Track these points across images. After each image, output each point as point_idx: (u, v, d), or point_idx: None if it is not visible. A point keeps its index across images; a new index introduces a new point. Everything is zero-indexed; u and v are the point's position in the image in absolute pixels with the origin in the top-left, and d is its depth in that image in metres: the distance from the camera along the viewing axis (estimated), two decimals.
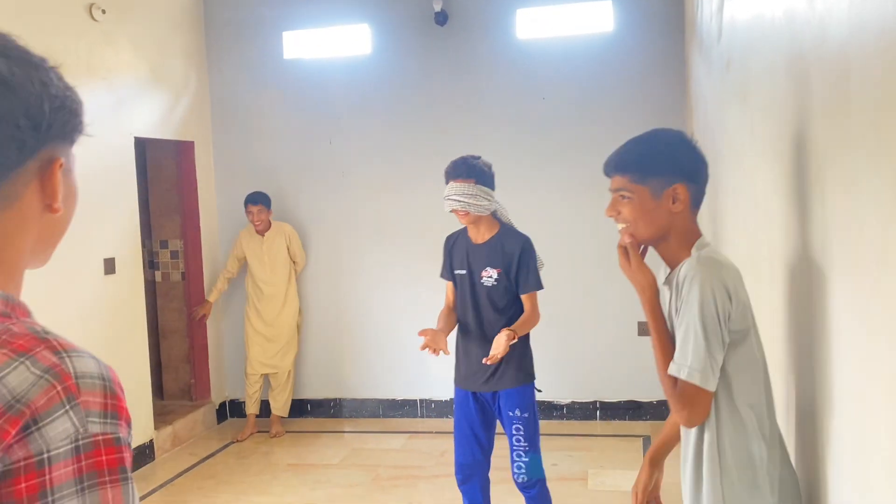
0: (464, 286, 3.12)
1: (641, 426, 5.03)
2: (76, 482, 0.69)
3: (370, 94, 5.41)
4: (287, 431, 5.28)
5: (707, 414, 1.58)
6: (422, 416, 5.46)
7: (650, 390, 5.10)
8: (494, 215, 3.11)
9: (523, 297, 3.07)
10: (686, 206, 1.64)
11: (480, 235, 3.10)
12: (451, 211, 3.04)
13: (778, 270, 1.87)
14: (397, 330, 5.43)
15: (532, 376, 3.15)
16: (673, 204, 1.63)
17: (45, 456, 0.68)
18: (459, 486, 3.24)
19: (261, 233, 5.20)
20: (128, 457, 0.73)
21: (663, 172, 1.64)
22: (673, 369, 1.58)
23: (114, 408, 0.73)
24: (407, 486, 4.31)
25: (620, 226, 1.69)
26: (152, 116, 4.99)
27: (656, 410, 5.12)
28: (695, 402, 1.56)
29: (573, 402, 5.24)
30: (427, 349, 3.03)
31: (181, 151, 5.40)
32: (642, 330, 5.14)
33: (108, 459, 0.71)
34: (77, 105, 0.84)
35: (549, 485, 3.21)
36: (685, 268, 1.60)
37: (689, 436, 1.65)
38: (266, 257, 5.20)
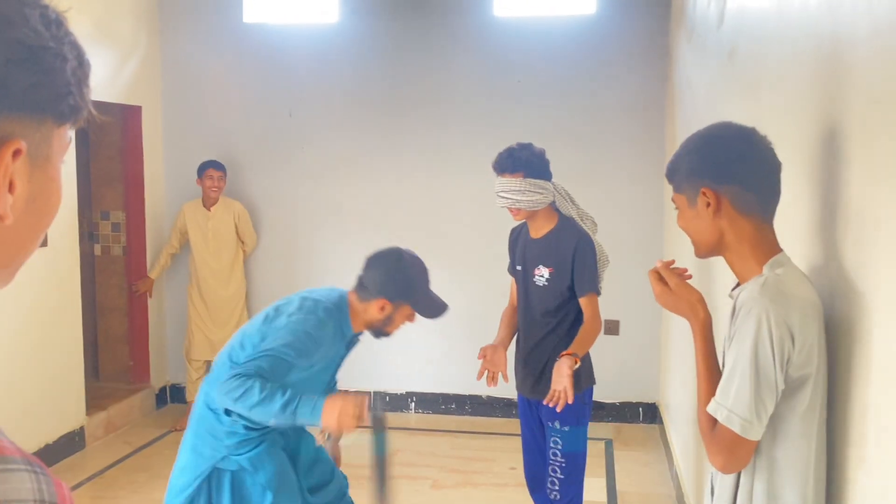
0: (520, 284, 2.88)
1: (604, 428, 4.85)
2: None
3: (335, 66, 5.07)
4: None
5: (746, 463, 1.38)
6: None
7: (614, 391, 4.91)
8: (553, 206, 2.81)
9: (581, 301, 2.77)
10: (730, 212, 1.41)
11: (537, 230, 2.83)
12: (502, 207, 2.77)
13: None
14: None
15: (580, 384, 2.80)
16: (709, 209, 1.41)
17: None
18: (531, 494, 3.04)
19: (208, 206, 4.84)
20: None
21: (689, 175, 1.45)
22: (712, 407, 1.39)
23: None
24: (357, 486, 4.05)
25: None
26: (95, 77, 4.57)
27: (618, 412, 4.95)
28: (733, 449, 1.36)
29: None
30: (486, 375, 2.73)
31: (127, 116, 5.01)
32: (609, 328, 4.95)
33: None
34: (59, 62, 0.58)
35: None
36: (747, 290, 1.39)
37: (726, 479, 1.46)
38: (210, 234, 4.84)
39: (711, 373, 1.43)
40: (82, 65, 0.61)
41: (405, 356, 5.10)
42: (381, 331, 2.44)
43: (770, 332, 1.31)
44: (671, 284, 1.49)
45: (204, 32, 5.18)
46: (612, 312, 4.93)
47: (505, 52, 4.89)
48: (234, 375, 2.10)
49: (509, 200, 2.70)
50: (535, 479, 2.98)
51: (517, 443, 3.18)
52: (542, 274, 2.79)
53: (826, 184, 1.50)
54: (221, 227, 4.85)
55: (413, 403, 5.18)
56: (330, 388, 2.54)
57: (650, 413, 4.92)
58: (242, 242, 5.00)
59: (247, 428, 2.31)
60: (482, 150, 4.37)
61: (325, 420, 2.08)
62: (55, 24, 0.58)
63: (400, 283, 2.35)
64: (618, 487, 3.99)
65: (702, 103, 3.23)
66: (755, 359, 1.31)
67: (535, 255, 2.81)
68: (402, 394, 5.19)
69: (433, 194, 5.04)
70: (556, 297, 2.77)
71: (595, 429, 4.85)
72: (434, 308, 2.40)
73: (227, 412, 2.29)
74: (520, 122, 4.84)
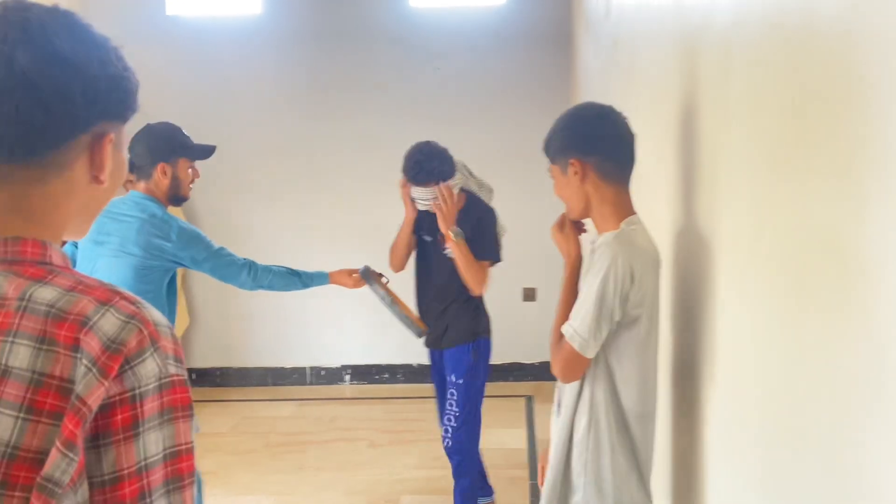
0: (427, 253, 3.17)
1: (524, 387, 5.27)
2: (159, 416, 0.80)
3: (259, 56, 5.28)
4: None
5: (579, 377, 1.68)
6: (311, 384, 5.47)
7: (532, 353, 5.33)
8: (463, 190, 3.12)
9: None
10: (594, 179, 1.69)
11: None
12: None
13: (664, 244, 2.01)
14: (285, 297, 5.38)
15: (473, 334, 3.13)
16: (577, 177, 1.69)
17: (137, 392, 0.79)
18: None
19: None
20: (190, 396, 0.84)
21: (561, 149, 1.72)
22: (564, 327, 1.67)
23: (179, 353, 0.85)
24: (298, 451, 4.34)
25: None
26: None
27: (538, 371, 5.37)
28: (571, 363, 1.66)
29: None
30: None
31: None
32: (527, 296, 5.35)
33: (181, 397, 0.83)
34: (132, 85, 0.90)
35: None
36: (603, 238, 1.68)
37: (564, 388, 1.77)
38: None
39: (569, 300, 1.72)
40: (137, 83, 0.92)
41: (338, 331, 5.39)
42: (177, 196, 2.64)
43: (616, 271, 1.59)
44: (566, 231, 1.81)
45: (126, 24, 5.27)
46: (530, 281, 5.35)
47: (422, 41, 5.20)
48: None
49: (430, 203, 2.99)
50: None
51: None
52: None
53: (684, 154, 1.85)
54: None
55: (348, 376, 5.48)
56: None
57: None
58: None
59: None
60: (402, 134, 4.67)
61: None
62: (121, 58, 0.90)
63: (164, 142, 2.62)
64: (537, 436, 4.40)
65: (596, 86, 3.63)
66: (602, 290, 1.59)
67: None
68: (337, 367, 5.47)
69: (358, 176, 5.32)
70: None
71: (516, 387, 5.28)
72: (204, 149, 2.72)
73: None
74: (438, 107, 5.17)
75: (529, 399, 5.05)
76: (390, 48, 5.23)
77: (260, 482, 3.93)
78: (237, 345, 5.50)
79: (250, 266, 2.80)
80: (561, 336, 1.67)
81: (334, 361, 5.48)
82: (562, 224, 1.83)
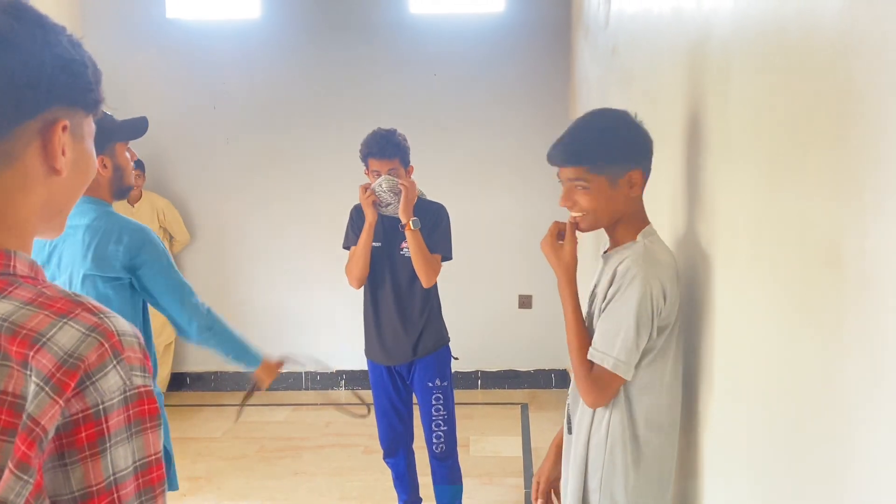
0: (379, 260, 3.02)
1: (519, 394, 5.26)
2: (126, 429, 0.79)
3: (258, 60, 5.28)
4: (166, 405, 5.13)
5: (611, 400, 1.63)
6: (305, 389, 5.46)
7: (528, 360, 5.33)
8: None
9: None
10: (641, 190, 1.66)
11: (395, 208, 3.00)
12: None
13: None
14: (281, 302, 5.38)
15: (439, 343, 3.09)
16: (630, 189, 1.63)
17: (101, 407, 0.77)
18: (388, 459, 3.23)
19: (132, 202, 4.98)
20: (157, 405, 0.83)
21: (619, 160, 1.62)
22: (596, 357, 1.60)
23: (146, 362, 0.82)
24: (293, 456, 4.33)
25: (577, 214, 1.67)
26: None
27: (533, 379, 5.36)
28: (609, 389, 1.61)
29: (455, 373, 5.36)
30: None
31: None
32: (522, 303, 5.35)
33: (149, 409, 0.81)
34: (86, 70, 0.85)
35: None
36: (629, 261, 1.60)
37: (576, 406, 1.72)
38: None
39: (581, 326, 1.67)
40: (96, 71, 0.88)
41: (332, 337, 5.37)
42: (122, 187, 2.29)
43: (651, 294, 1.55)
44: (568, 244, 1.68)
45: (127, 28, 5.29)
46: (526, 288, 5.34)
47: (422, 48, 5.21)
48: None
49: (389, 195, 2.94)
50: (395, 443, 3.19)
51: None
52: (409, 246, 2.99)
53: (683, 163, 1.84)
54: (145, 222, 4.98)
55: (343, 381, 5.46)
56: None
57: (561, 379, 5.35)
58: (170, 237, 5.15)
59: None
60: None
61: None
62: (77, 44, 0.86)
63: (98, 132, 2.36)
64: (532, 444, 4.39)
65: (595, 94, 3.63)
66: (638, 316, 1.55)
67: (398, 230, 3.00)
68: (332, 373, 5.46)
69: (356, 181, 5.30)
70: None
71: (512, 395, 5.27)
72: (136, 127, 2.32)
73: None
74: (437, 113, 5.18)
75: (525, 407, 5.04)
76: (389, 54, 5.24)
77: (254, 487, 3.91)
78: None
79: (208, 313, 2.31)
80: (589, 364, 1.61)
81: (330, 366, 5.46)
82: (557, 235, 1.71)
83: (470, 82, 5.21)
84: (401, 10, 5.18)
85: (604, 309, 1.63)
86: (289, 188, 5.33)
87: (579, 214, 1.67)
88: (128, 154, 2.30)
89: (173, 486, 2.45)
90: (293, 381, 5.48)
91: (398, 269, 3.03)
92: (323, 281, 5.21)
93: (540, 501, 1.88)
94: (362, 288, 3.10)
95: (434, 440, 3.12)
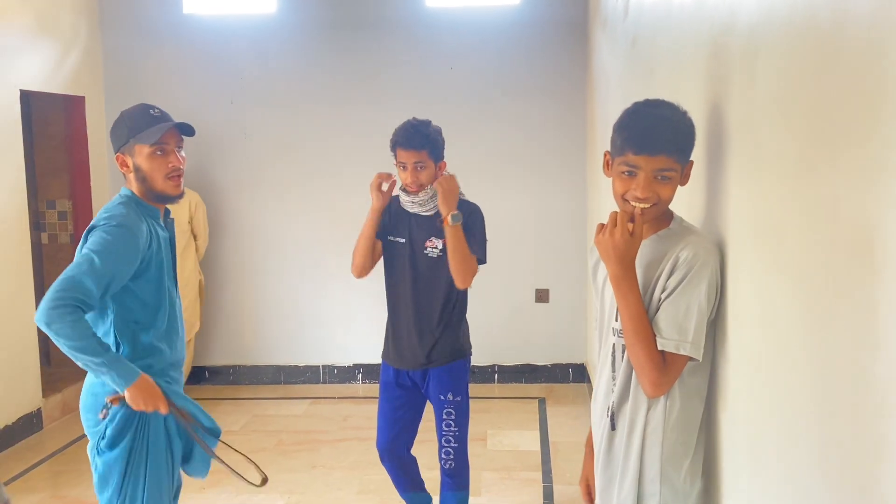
0: (401, 256, 2.86)
1: (537, 388, 5.25)
2: None
3: (274, 55, 5.29)
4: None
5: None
6: (323, 382, 5.48)
7: (545, 354, 5.32)
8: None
9: None
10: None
11: (423, 203, 2.84)
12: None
13: None
14: (299, 295, 5.40)
15: (460, 353, 2.92)
16: (683, 180, 1.66)
17: None
18: (385, 461, 3.11)
19: None
20: None
21: (689, 149, 1.66)
22: (670, 346, 1.58)
23: None
24: (310, 450, 4.34)
25: (643, 205, 1.60)
26: (39, 69, 4.70)
27: (550, 373, 5.35)
28: (677, 374, 1.61)
29: (473, 367, 5.39)
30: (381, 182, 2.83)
31: (70, 107, 5.12)
32: (539, 297, 5.33)
33: None
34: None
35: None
36: (694, 247, 1.60)
37: (639, 408, 1.67)
38: None
39: (644, 315, 1.61)
40: None
41: (351, 329, 5.38)
42: (152, 191, 2.25)
43: (716, 279, 1.60)
44: (636, 235, 1.59)
45: (144, 23, 5.32)
46: (543, 282, 5.33)
47: (438, 41, 5.19)
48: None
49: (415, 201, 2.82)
50: (384, 450, 3.05)
51: None
52: (435, 245, 2.82)
53: (707, 155, 1.82)
54: (178, 215, 4.93)
55: (360, 374, 5.48)
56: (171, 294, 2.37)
57: (579, 373, 5.34)
58: (195, 237, 5.10)
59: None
60: None
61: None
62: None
63: (118, 131, 2.26)
64: (550, 438, 4.38)
65: (613, 86, 3.60)
66: (708, 300, 1.59)
67: (425, 228, 2.83)
68: (349, 366, 5.47)
69: (373, 175, 5.30)
70: (447, 269, 2.79)
71: (529, 389, 5.26)
72: (157, 130, 2.22)
73: None
74: (453, 106, 5.16)
75: (542, 401, 5.03)
76: (406, 47, 5.23)
77: (272, 481, 3.90)
78: (250, 343, 5.51)
79: (76, 308, 2.04)
80: (660, 355, 1.59)
81: (347, 360, 5.48)
82: (619, 227, 1.59)
83: (486, 76, 5.19)
84: (417, 3, 5.17)
85: (666, 297, 1.60)
86: (305, 182, 5.34)
87: (646, 205, 1.60)
88: (159, 155, 2.27)
89: (203, 473, 2.48)
90: (311, 375, 5.50)
91: (420, 269, 2.85)
92: (340, 274, 5.20)
93: None
94: (383, 284, 2.98)
95: (443, 455, 2.96)
